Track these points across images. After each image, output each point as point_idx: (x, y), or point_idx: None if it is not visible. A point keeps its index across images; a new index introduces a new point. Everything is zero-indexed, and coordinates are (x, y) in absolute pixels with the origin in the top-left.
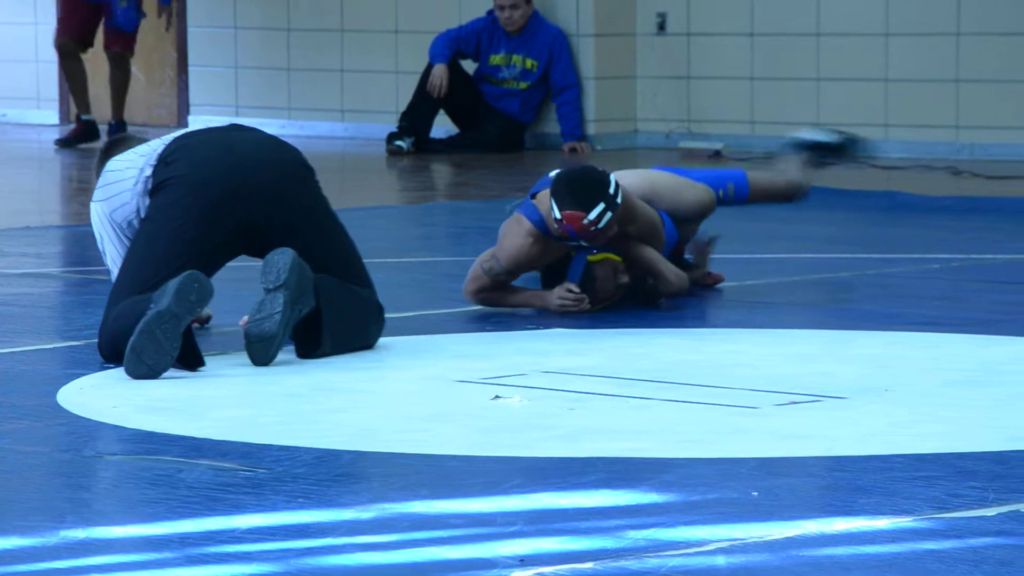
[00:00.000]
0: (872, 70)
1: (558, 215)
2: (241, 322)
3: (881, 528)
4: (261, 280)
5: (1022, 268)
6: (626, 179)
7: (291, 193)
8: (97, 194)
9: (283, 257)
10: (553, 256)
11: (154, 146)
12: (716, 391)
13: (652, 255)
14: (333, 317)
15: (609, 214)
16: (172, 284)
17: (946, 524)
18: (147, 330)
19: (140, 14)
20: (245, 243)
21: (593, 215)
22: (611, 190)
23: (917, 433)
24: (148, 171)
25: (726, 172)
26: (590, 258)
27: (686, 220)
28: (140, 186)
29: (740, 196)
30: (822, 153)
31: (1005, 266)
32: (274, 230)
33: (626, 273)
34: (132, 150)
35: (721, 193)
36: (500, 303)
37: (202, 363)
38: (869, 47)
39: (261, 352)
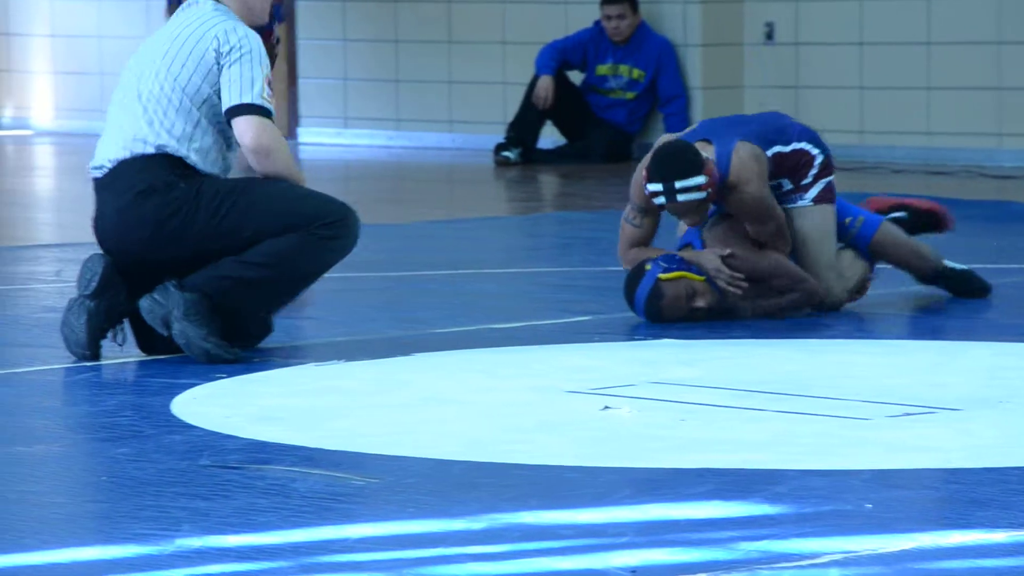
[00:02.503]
0: (984, 79)
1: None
2: None
3: (997, 541)
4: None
5: None
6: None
7: (147, 255)
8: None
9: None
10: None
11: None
12: (828, 402)
13: (772, 264)
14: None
15: (662, 199)
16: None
17: None
18: (63, 318)
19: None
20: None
21: (650, 188)
22: (682, 176)
23: None
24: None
25: (865, 212)
26: (662, 276)
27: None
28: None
29: (863, 236)
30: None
31: None
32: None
33: (705, 296)
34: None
35: (848, 220)
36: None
37: (124, 341)
38: (980, 55)
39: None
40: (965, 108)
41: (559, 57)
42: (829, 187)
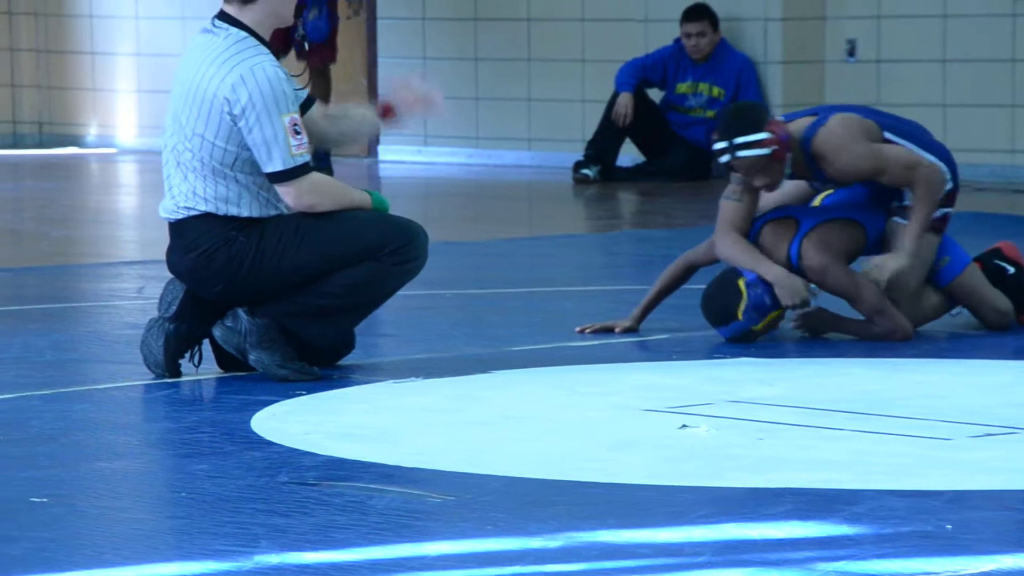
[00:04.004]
0: None
1: None
2: None
3: None
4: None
5: None
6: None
7: (200, 287)
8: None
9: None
10: (783, 186)
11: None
12: (908, 422)
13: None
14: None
15: (727, 156)
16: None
17: None
18: (143, 337)
19: (332, 21)
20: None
21: (715, 147)
22: (742, 132)
23: None
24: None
25: (958, 251)
26: (755, 328)
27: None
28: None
29: (944, 275)
30: None
31: None
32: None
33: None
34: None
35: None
36: (741, 260)
37: (189, 363)
38: None
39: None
40: None
41: (639, 75)
42: (943, 218)
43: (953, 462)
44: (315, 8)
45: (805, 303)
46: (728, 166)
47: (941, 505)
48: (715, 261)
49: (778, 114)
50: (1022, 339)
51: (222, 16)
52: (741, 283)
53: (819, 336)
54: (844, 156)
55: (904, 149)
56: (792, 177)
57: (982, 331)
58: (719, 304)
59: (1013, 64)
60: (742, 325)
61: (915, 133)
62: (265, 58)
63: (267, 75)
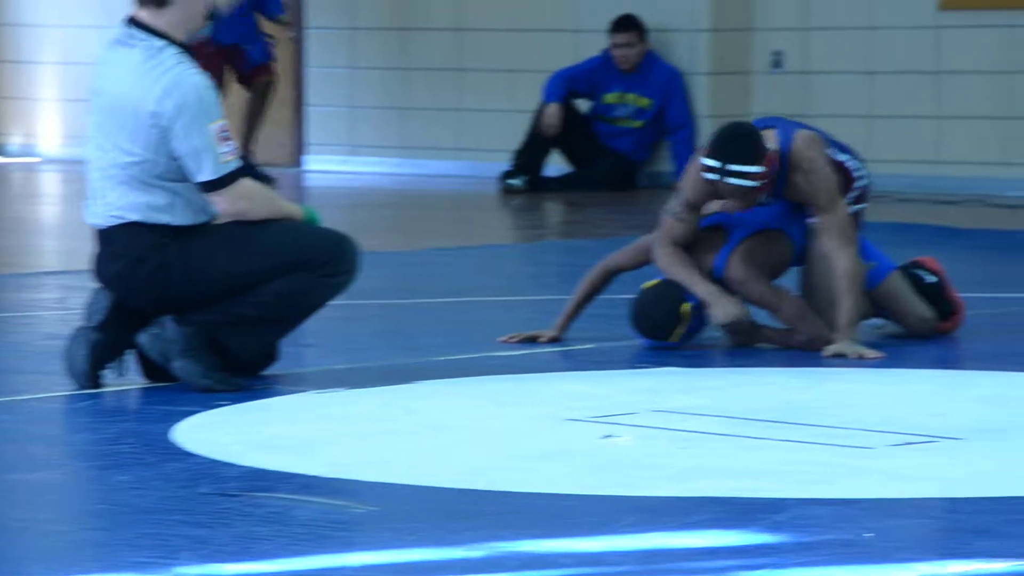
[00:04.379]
0: (993, 108)
1: None
2: None
3: (998, 571)
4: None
5: None
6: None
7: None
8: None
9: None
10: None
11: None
12: (829, 431)
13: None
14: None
15: (715, 176)
16: None
17: None
18: (66, 346)
19: (267, 41)
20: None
21: (705, 162)
22: (741, 161)
23: None
24: None
25: (883, 258)
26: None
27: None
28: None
29: (870, 281)
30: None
31: None
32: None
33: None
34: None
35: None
36: (677, 275)
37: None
38: (989, 84)
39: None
40: (973, 137)
41: (567, 85)
42: (859, 214)
43: (873, 471)
44: (253, 42)
45: (738, 322)
46: (711, 183)
47: (861, 513)
48: (639, 266)
49: (706, 126)
50: (942, 348)
51: (134, 22)
52: (686, 308)
53: (743, 345)
54: (818, 166)
55: (828, 201)
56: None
57: (903, 340)
58: (655, 320)
59: (937, 76)
60: (669, 344)
61: (830, 136)
62: (187, 66)
63: (192, 84)
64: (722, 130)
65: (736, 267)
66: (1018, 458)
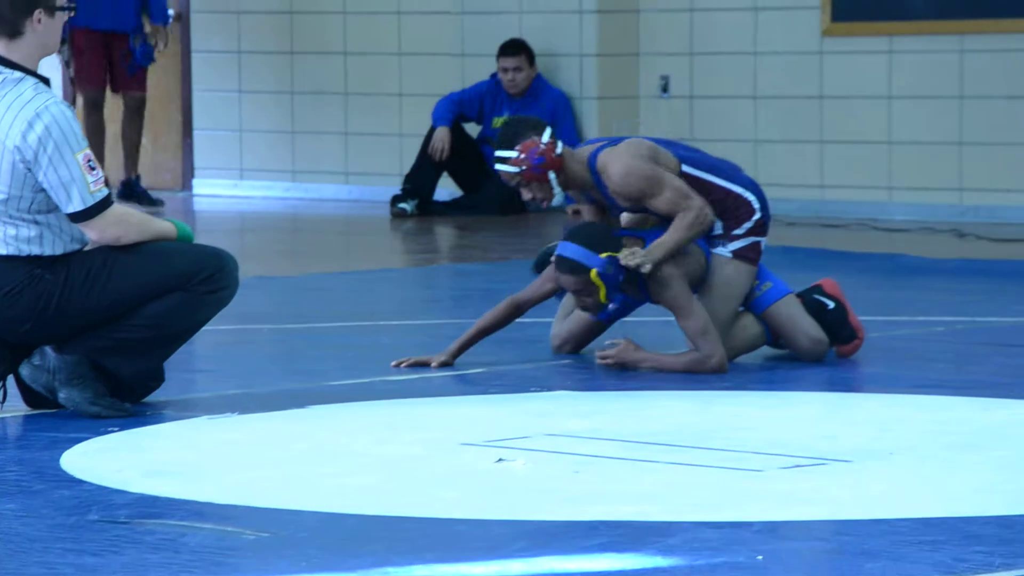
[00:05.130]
0: (875, 133)
1: None
2: None
3: None
4: None
5: None
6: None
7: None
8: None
9: None
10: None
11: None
12: (721, 454)
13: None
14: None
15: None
16: None
17: None
18: None
19: (152, 47)
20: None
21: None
22: (501, 146)
23: (922, 497)
24: None
25: (778, 281)
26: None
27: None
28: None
29: (761, 302)
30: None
31: (1010, 329)
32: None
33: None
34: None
35: (756, 283)
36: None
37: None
38: (872, 110)
39: None
40: (857, 161)
41: (455, 109)
42: (755, 247)
43: (764, 493)
44: (138, 36)
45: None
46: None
47: (752, 536)
48: (545, 298)
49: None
50: (833, 371)
51: None
52: (593, 274)
53: (629, 369)
54: (621, 170)
55: (681, 183)
56: (590, 200)
57: (795, 363)
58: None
59: (821, 101)
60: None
61: (722, 168)
62: (48, 97)
63: (54, 116)
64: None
65: (663, 264)
66: (906, 480)
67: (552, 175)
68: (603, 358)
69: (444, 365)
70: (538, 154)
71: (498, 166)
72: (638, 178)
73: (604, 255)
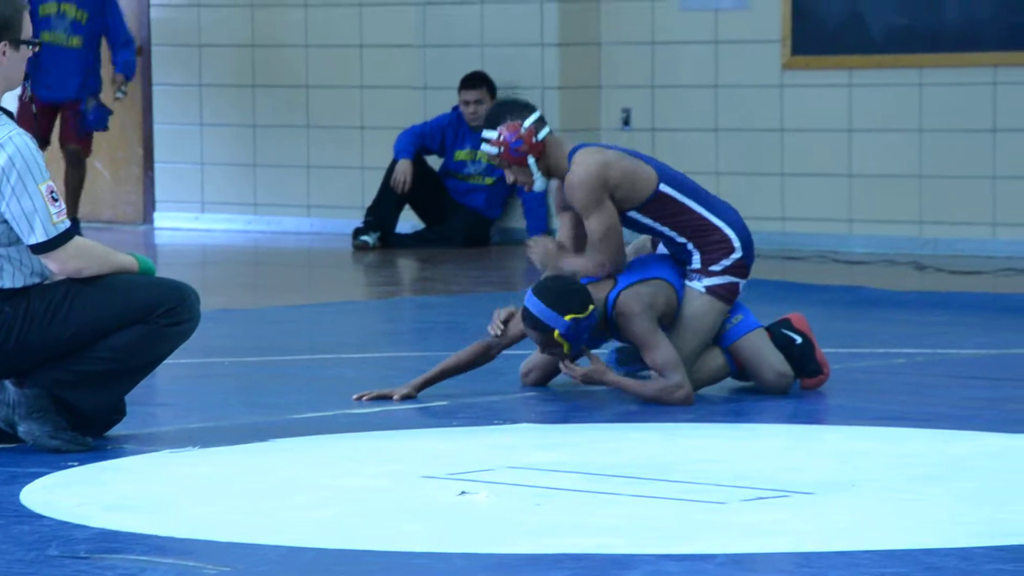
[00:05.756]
0: (836, 165)
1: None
2: None
3: None
4: None
5: (987, 363)
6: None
7: None
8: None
9: None
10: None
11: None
12: (684, 486)
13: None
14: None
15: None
16: None
17: None
18: None
19: (107, 110)
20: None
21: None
22: (486, 126)
23: (884, 529)
24: None
25: (749, 315)
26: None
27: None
28: None
29: (729, 335)
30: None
31: (970, 361)
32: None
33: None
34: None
35: (727, 316)
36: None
37: None
38: (833, 143)
39: None
40: (817, 194)
41: (417, 142)
42: (731, 287)
43: (727, 526)
44: (91, 99)
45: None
46: None
47: (716, 568)
48: (515, 342)
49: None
50: (797, 403)
51: None
52: (556, 335)
53: (597, 385)
54: (578, 175)
55: (611, 226)
56: (566, 207)
57: (759, 395)
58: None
59: (782, 133)
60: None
61: (708, 199)
62: (10, 128)
63: (17, 147)
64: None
65: (626, 300)
66: (868, 512)
67: (532, 160)
68: (570, 371)
69: (406, 398)
70: (517, 137)
71: (483, 146)
72: (583, 191)
73: (569, 317)
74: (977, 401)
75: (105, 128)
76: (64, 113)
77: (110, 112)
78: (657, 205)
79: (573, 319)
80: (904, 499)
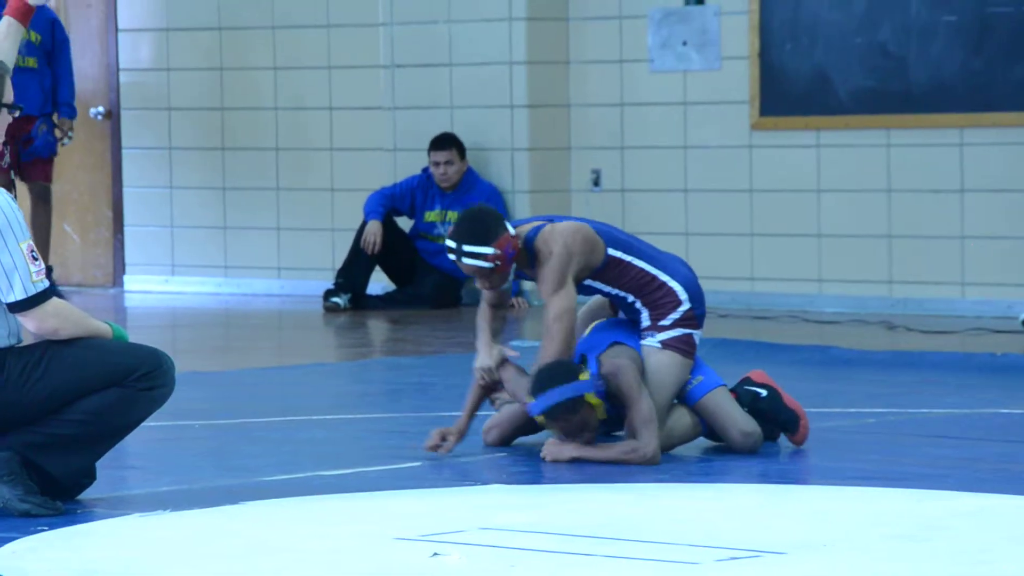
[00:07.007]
0: (805, 226)
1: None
2: None
3: None
4: None
5: (958, 422)
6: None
7: None
8: None
9: None
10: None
11: None
12: (656, 546)
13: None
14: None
15: (453, 256)
16: None
17: None
18: None
19: (56, 139)
20: None
21: (447, 243)
22: (472, 241)
23: None
24: None
25: (710, 374)
26: (590, 398)
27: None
28: None
29: (692, 395)
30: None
31: (941, 420)
32: None
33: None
34: None
35: (689, 377)
36: (478, 322)
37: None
38: (802, 203)
39: None
40: (787, 254)
41: (387, 203)
42: (687, 339)
43: None
44: (44, 123)
45: (484, 369)
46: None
47: None
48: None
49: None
50: (767, 463)
51: None
52: (590, 397)
53: (563, 460)
54: (545, 264)
55: (552, 287)
56: (518, 275)
57: (730, 455)
58: (557, 378)
59: (751, 194)
60: (581, 385)
61: (655, 256)
62: None
63: None
64: (463, 213)
65: (612, 360)
66: (839, 572)
67: (513, 267)
68: (543, 456)
69: (461, 434)
70: (511, 248)
71: (468, 260)
72: (558, 251)
73: (582, 377)
74: (949, 460)
75: (54, 153)
76: (16, 146)
77: (57, 141)
78: (606, 270)
79: (589, 377)
80: (876, 559)
